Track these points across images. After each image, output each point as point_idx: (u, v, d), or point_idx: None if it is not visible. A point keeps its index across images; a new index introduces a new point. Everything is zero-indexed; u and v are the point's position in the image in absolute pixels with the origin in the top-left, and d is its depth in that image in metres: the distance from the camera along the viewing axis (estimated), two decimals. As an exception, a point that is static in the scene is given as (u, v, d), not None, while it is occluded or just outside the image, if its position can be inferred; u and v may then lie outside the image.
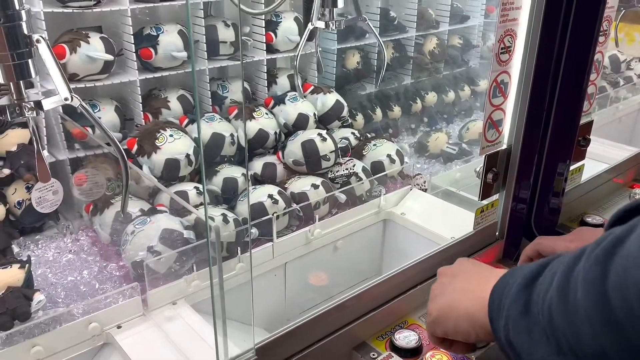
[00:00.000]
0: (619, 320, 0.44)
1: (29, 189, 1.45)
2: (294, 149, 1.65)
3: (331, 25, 1.26)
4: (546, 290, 0.53)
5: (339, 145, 1.70)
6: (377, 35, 1.39)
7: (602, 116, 2.36)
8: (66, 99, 0.78)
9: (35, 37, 0.75)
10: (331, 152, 1.64)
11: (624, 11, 2.07)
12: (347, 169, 1.63)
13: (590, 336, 0.47)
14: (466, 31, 2.50)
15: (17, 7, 0.74)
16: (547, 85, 1.33)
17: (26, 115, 0.78)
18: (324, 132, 1.67)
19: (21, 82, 0.78)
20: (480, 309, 0.64)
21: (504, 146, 1.34)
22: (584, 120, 1.47)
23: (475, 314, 0.65)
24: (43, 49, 0.76)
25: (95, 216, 1.45)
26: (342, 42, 2.05)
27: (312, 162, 1.63)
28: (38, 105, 0.79)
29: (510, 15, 1.19)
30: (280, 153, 1.69)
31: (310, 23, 1.25)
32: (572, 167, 1.52)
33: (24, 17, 0.75)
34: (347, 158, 1.68)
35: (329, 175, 1.66)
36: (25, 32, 0.76)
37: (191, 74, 1.72)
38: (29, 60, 0.77)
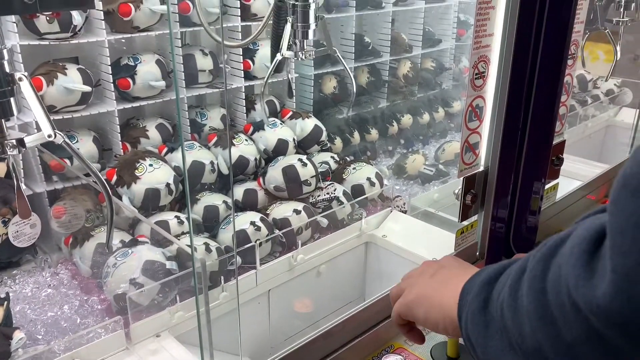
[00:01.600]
0: (554, 315, 0.46)
1: (5, 224, 1.42)
2: (275, 174, 1.66)
3: (300, 55, 1.28)
4: (501, 288, 0.56)
5: (319, 170, 1.71)
6: (346, 67, 1.39)
7: (572, 134, 2.43)
8: (49, 136, 0.78)
9: (18, 75, 0.75)
10: (312, 177, 1.65)
11: (588, 34, 2.15)
12: (328, 193, 1.64)
13: (529, 331, 0.49)
14: (438, 54, 2.56)
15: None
16: (520, 108, 1.37)
17: (8, 153, 0.78)
18: (304, 157, 1.69)
19: (2, 120, 0.77)
20: (452, 302, 0.66)
21: (481, 168, 1.38)
22: (556, 140, 1.52)
23: (447, 307, 0.67)
24: (25, 87, 0.76)
25: (75, 249, 1.43)
26: (318, 67, 2.08)
27: (293, 187, 1.64)
28: (20, 142, 0.79)
29: (483, 42, 1.23)
30: (261, 179, 1.69)
31: (279, 53, 1.27)
32: (547, 186, 1.56)
33: (6, 56, 0.75)
34: (328, 182, 1.70)
35: (311, 200, 1.67)
36: (7, 70, 0.76)
37: (173, 102, 1.72)
38: (11, 99, 0.76)
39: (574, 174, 1.99)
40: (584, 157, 2.20)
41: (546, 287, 0.47)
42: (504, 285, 0.56)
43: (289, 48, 1.27)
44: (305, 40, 1.26)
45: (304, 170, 1.63)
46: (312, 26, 1.22)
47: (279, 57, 1.27)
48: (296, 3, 1.20)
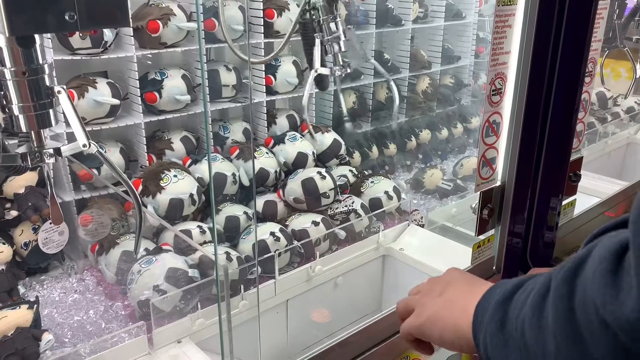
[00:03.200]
0: (582, 334, 0.47)
1: (35, 230, 1.47)
2: (294, 186, 1.69)
3: (336, 71, 1.30)
4: (521, 307, 0.57)
5: (337, 183, 1.74)
6: (386, 73, 1.44)
7: (591, 151, 2.42)
8: (84, 146, 0.83)
9: (57, 88, 0.80)
10: (330, 189, 1.68)
11: (607, 52, 2.16)
12: (346, 206, 1.67)
13: (554, 350, 0.50)
14: (457, 71, 2.59)
15: (41, 62, 0.79)
16: (537, 124, 1.39)
17: (46, 161, 0.82)
18: (323, 170, 1.72)
19: (42, 130, 0.82)
20: (466, 323, 0.67)
21: (498, 183, 1.39)
22: (574, 156, 1.53)
23: (461, 327, 0.68)
24: (63, 100, 0.81)
25: (101, 256, 1.48)
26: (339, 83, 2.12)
27: (312, 199, 1.67)
28: (57, 152, 0.83)
29: (500, 59, 1.26)
30: (280, 191, 1.73)
31: (313, 70, 1.29)
32: (564, 202, 1.57)
33: (47, 71, 0.80)
34: (346, 195, 1.72)
35: (329, 212, 1.70)
36: (47, 84, 0.81)
37: (199, 115, 1.78)
38: (50, 110, 0.81)
39: (593, 191, 1.99)
40: (603, 175, 2.19)
41: (574, 307, 0.48)
42: (523, 304, 0.57)
43: (323, 64, 1.30)
44: (339, 55, 1.29)
45: (323, 182, 1.66)
46: (342, 38, 1.26)
47: (313, 73, 1.31)
48: (322, 18, 1.25)
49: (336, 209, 1.71)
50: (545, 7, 1.25)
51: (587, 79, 1.48)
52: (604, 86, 2.64)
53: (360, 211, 1.72)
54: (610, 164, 2.58)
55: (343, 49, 1.29)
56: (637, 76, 2.23)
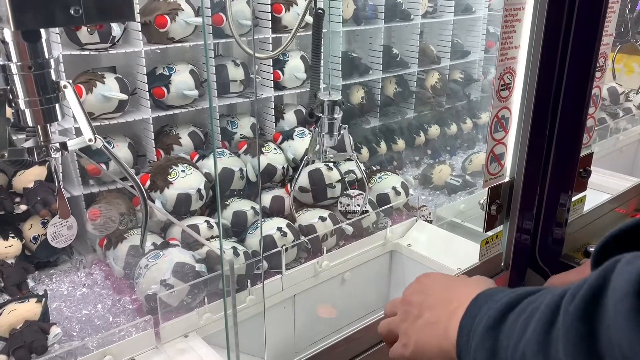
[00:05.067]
0: None
1: (44, 225, 1.49)
2: (301, 178, 1.69)
3: (323, 157, 1.51)
4: (518, 337, 0.52)
5: (346, 179, 1.74)
6: (363, 171, 1.64)
7: (602, 147, 2.40)
8: (90, 140, 0.83)
9: (63, 83, 0.80)
10: (337, 181, 1.67)
11: (620, 46, 2.13)
12: (358, 205, 1.66)
13: None
14: (467, 66, 2.57)
15: (47, 56, 0.79)
16: (546, 120, 1.37)
17: (52, 156, 0.83)
18: (330, 163, 1.71)
19: (48, 124, 0.83)
20: (451, 345, 0.63)
21: (507, 178, 1.38)
22: (584, 152, 1.51)
23: (447, 349, 0.65)
24: (69, 94, 0.81)
25: (109, 250, 1.49)
26: (346, 78, 2.11)
27: (317, 190, 1.66)
28: (63, 146, 0.84)
29: (509, 54, 1.25)
30: (288, 186, 1.73)
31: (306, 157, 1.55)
32: (574, 198, 1.55)
33: (53, 65, 0.80)
34: (357, 192, 1.70)
35: (339, 209, 1.68)
36: (54, 78, 0.81)
37: (207, 110, 1.78)
38: (56, 105, 0.82)
39: (604, 187, 1.97)
40: (615, 171, 2.17)
41: (599, 351, 0.43)
42: (521, 334, 0.51)
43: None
44: (327, 149, 1.50)
45: (330, 173, 1.65)
46: (335, 135, 1.49)
47: (304, 162, 1.57)
48: (323, 116, 1.48)
49: (347, 205, 1.70)
50: (556, 1, 1.24)
51: (597, 74, 1.46)
52: (615, 81, 2.61)
53: (368, 207, 1.71)
54: (622, 160, 2.55)
55: (332, 144, 1.50)
56: (650, 71, 2.20)
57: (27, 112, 0.79)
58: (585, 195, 1.63)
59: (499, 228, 1.43)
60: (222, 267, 0.93)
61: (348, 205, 1.66)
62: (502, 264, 1.47)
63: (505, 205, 1.40)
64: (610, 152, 2.49)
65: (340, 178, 1.68)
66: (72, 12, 0.71)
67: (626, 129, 2.60)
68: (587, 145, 1.56)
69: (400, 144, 2.23)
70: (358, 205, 1.66)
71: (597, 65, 1.39)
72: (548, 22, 1.24)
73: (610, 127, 2.50)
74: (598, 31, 1.32)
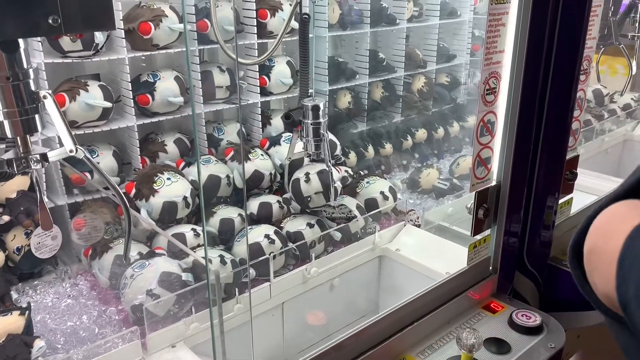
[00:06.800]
0: None
1: (27, 235, 1.46)
2: (289, 185, 1.68)
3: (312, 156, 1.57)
4: None
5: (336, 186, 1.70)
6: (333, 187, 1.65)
7: (588, 149, 2.42)
8: (71, 151, 0.82)
9: (42, 93, 0.79)
10: (315, 193, 1.63)
11: (603, 49, 2.15)
12: (342, 213, 1.64)
13: None
14: (453, 69, 2.58)
15: (25, 66, 0.78)
16: (532, 123, 1.38)
17: (32, 167, 0.81)
18: (312, 171, 1.65)
19: (27, 136, 0.81)
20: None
21: (494, 182, 1.39)
22: (570, 155, 1.52)
23: None
24: (49, 104, 0.80)
25: (94, 260, 1.47)
26: (333, 83, 2.11)
27: (298, 200, 1.65)
28: (44, 157, 0.82)
29: (494, 58, 1.25)
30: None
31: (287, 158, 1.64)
32: (561, 201, 1.56)
33: (32, 75, 0.79)
34: (339, 203, 1.67)
35: (325, 216, 1.67)
36: (33, 88, 0.80)
37: (191, 117, 1.76)
38: (36, 115, 0.80)
39: (590, 189, 1.98)
40: (600, 172, 2.18)
41: None
42: None
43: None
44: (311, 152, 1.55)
45: (307, 186, 1.62)
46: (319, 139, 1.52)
47: (287, 162, 1.65)
48: (306, 122, 1.51)
49: (332, 213, 1.68)
50: (540, 5, 1.25)
51: (582, 77, 1.48)
52: (600, 83, 2.64)
53: (356, 212, 1.70)
54: (608, 161, 2.57)
55: (317, 150, 1.54)
56: (633, 73, 2.22)
57: (6, 124, 0.78)
58: (572, 198, 1.64)
59: (487, 232, 1.43)
60: (207, 276, 0.92)
61: (332, 212, 1.65)
62: (491, 268, 1.47)
63: (492, 209, 1.40)
64: (596, 153, 2.51)
65: (319, 190, 1.64)
66: (50, 21, 0.70)
67: (611, 130, 2.62)
68: (573, 147, 1.57)
69: (388, 148, 2.23)
70: (342, 213, 1.65)
71: (582, 68, 1.40)
72: (532, 26, 1.24)
73: (596, 128, 2.52)
74: (582, 35, 1.33)
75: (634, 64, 2.18)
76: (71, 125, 1.52)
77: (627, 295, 0.52)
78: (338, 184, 1.68)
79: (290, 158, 1.64)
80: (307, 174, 1.63)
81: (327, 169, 1.65)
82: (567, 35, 1.32)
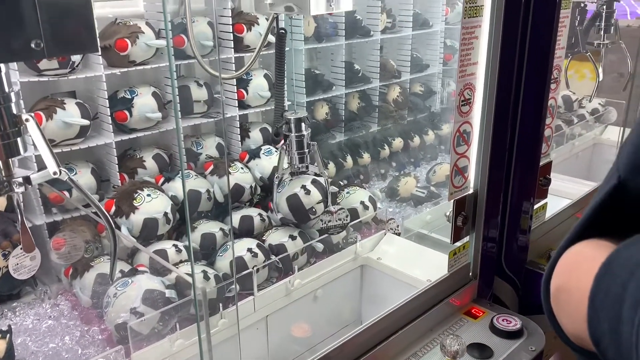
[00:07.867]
0: None
1: (5, 256, 1.44)
2: (281, 203, 1.65)
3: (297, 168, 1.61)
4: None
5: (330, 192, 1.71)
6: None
7: (559, 153, 2.48)
8: (55, 173, 0.81)
9: (25, 116, 0.79)
10: (317, 203, 1.64)
11: (570, 57, 2.22)
12: (339, 219, 1.65)
13: None
14: (427, 79, 2.62)
15: (7, 90, 0.78)
16: (506, 132, 1.42)
17: (15, 191, 0.81)
18: (308, 182, 1.65)
19: (9, 159, 0.81)
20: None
21: (471, 190, 1.42)
22: (543, 161, 1.57)
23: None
24: (32, 127, 0.80)
25: (75, 279, 1.45)
26: (310, 94, 2.13)
27: (299, 216, 1.64)
28: (27, 180, 0.82)
29: (469, 70, 1.28)
30: (271, 203, 1.69)
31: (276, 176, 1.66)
32: (536, 206, 1.60)
33: (13, 99, 0.79)
34: (338, 207, 1.68)
35: (321, 226, 1.65)
36: (14, 112, 0.79)
37: (171, 132, 1.76)
38: (18, 139, 0.80)
39: (563, 192, 2.03)
40: (572, 176, 2.25)
41: None
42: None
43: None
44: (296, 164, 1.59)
45: (308, 198, 1.63)
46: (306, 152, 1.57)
47: (275, 180, 1.65)
48: (291, 134, 1.54)
49: (329, 222, 1.67)
50: (510, 17, 1.29)
51: (552, 86, 1.52)
52: (568, 89, 2.71)
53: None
54: (578, 165, 2.64)
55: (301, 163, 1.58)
56: (600, 79, 2.29)
57: (-12, 148, 0.77)
58: (546, 203, 1.69)
59: (466, 239, 1.46)
60: (194, 292, 0.92)
61: (329, 221, 1.65)
62: (471, 274, 1.50)
63: (470, 217, 1.43)
64: (568, 157, 2.58)
65: (320, 199, 1.65)
66: (33, 45, 0.70)
67: (581, 134, 2.70)
68: (546, 154, 1.61)
69: (366, 157, 2.25)
70: (339, 219, 1.65)
71: (552, 77, 1.45)
72: (504, 38, 1.28)
73: (566, 133, 2.59)
74: (551, 45, 1.38)
75: (600, 70, 2.25)
76: (48, 143, 1.51)
77: (599, 330, 0.52)
78: (333, 188, 1.70)
79: (282, 175, 1.64)
80: (303, 187, 1.63)
81: (315, 178, 1.67)
82: (537, 45, 1.36)
